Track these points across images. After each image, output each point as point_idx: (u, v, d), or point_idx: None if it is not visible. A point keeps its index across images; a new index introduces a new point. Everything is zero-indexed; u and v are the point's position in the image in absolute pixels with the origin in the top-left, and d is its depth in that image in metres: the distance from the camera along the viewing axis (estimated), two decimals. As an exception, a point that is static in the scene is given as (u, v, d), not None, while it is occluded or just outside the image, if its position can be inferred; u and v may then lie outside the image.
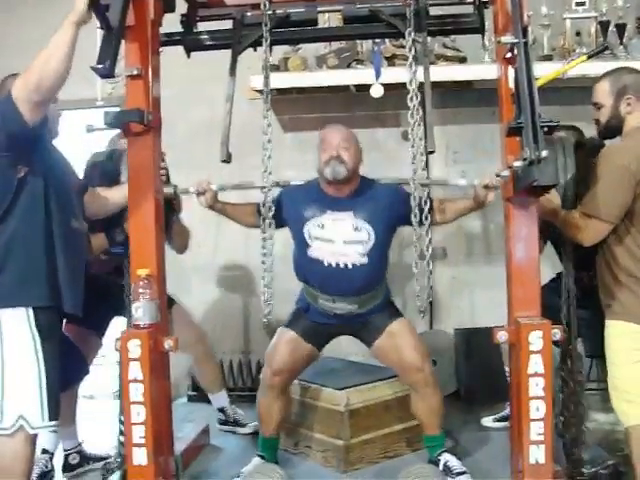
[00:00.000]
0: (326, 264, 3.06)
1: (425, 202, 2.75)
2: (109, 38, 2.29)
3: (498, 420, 3.71)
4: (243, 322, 4.75)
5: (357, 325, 3.19)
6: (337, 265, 3.05)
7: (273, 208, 2.83)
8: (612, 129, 2.67)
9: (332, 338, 3.30)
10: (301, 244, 3.12)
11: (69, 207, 2.65)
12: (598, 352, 2.76)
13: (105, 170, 3.13)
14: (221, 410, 3.79)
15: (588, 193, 2.58)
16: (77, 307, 2.60)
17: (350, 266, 3.05)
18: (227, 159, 2.80)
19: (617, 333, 2.57)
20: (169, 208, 3.09)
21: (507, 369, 3.54)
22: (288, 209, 3.13)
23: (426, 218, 2.74)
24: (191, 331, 3.66)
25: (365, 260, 3.05)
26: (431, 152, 2.63)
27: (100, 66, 2.24)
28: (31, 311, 2.46)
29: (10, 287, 2.46)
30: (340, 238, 3.05)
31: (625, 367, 2.54)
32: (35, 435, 2.51)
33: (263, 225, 2.81)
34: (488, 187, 2.76)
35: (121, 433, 2.94)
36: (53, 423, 2.51)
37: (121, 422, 2.94)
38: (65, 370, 2.65)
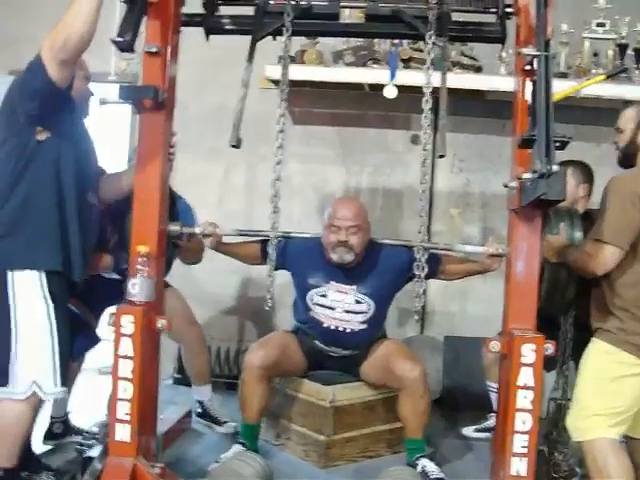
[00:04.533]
0: (325, 326, 3.21)
1: (423, 268, 2.69)
2: (131, 11, 2.29)
3: (479, 430, 3.71)
4: (236, 309, 4.74)
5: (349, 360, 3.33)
6: (336, 328, 3.20)
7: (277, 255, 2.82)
8: (628, 156, 2.67)
9: (322, 369, 3.40)
10: (303, 303, 3.25)
11: (87, 181, 2.66)
12: None
13: None
14: (200, 403, 3.71)
15: (598, 220, 2.58)
16: (84, 277, 2.62)
17: (349, 330, 3.20)
18: (237, 144, 2.79)
19: (597, 350, 2.60)
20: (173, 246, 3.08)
21: (489, 383, 3.57)
22: (292, 263, 3.22)
23: (426, 278, 2.74)
24: (184, 317, 3.57)
25: (364, 327, 3.20)
26: (441, 156, 2.63)
27: (120, 39, 2.24)
28: (44, 276, 2.47)
29: (24, 250, 2.47)
30: (341, 307, 3.19)
31: (593, 384, 2.57)
32: (43, 401, 2.52)
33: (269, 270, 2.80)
34: (493, 256, 2.79)
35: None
36: (64, 389, 2.53)
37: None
38: (73, 340, 2.64)
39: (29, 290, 2.46)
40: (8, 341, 2.44)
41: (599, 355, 2.60)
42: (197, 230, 2.90)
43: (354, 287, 3.18)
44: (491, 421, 3.64)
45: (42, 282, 2.46)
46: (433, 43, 2.71)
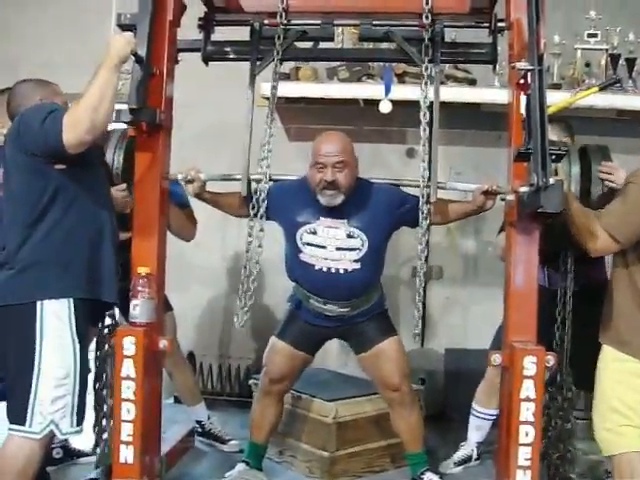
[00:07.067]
0: (317, 268, 3.00)
1: (428, 204, 2.72)
2: (141, 72, 2.41)
3: (458, 464, 3.47)
4: (225, 326, 4.74)
5: (348, 328, 3.13)
6: (328, 270, 2.99)
7: (264, 205, 2.82)
8: None
9: (323, 341, 3.24)
10: (293, 248, 3.06)
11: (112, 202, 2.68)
12: (587, 383, 2.70)
13: None
14: (199, 422, 3.67)
15: (610, 206, 2.54)
16: (115, 296, 2.59)
17: (342, 271, 2.98)
18: (248, 192, 2.84)
19: (608, 359, 2.57)
20: None
21: (481, 409, 3.44)
22: (279, 206, 2.99)
23: (426, 219, 2.75)
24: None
25: (357, 266, 2.99)
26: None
27: (135, 106, 2.38)
28: (72, 305, 2.43)
29: (52, 278, 2.43)
30: (332, 244, 2.98)
31: (611, 395, 2.53)
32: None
33: (252, 222, 2.84)
34: (487, 193, 2.74)
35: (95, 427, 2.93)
36: (80, 428, 2.50)
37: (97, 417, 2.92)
38: None
39: (57, 327, 2.41)
40: (30, 378, 2.38)
41: (611, 364, 2.55)
42: (180, 176, 2.84)
43: (345, 221, 2.99)
44: (464, 450, 3.50)
45: (70, 315, 2.42)
46: (427, 68, 2.77)
